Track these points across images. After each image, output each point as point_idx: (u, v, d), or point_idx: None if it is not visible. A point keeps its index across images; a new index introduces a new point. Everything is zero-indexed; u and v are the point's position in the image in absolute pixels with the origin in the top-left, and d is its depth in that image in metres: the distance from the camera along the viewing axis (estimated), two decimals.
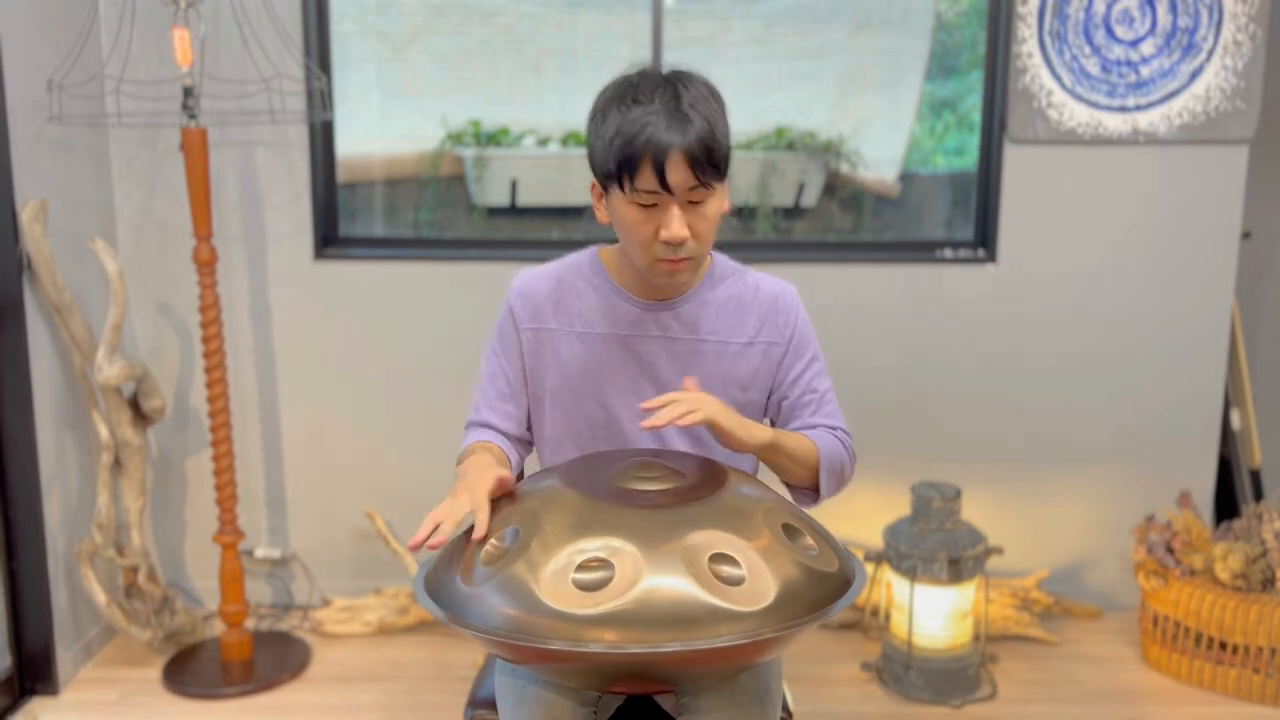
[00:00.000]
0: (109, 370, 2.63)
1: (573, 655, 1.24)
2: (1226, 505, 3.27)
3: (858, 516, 3.07)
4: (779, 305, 1.70)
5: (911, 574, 2.72)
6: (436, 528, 1.37)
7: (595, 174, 1.57)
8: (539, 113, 3.28)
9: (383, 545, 3.12)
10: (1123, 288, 3.06)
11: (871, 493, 3.07)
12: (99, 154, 2.93)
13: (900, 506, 2.97)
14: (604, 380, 1.68)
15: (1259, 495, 3.24)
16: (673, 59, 3.06)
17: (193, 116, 2.60)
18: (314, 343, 3.09)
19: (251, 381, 3.10)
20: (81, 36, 2.75)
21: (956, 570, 2.69)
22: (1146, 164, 2.99)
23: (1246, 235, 3.29)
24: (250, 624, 3.07)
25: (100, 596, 2.73)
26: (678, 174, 1.49)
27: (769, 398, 1.72)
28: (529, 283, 1.70)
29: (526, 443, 1.75)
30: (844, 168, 3.31)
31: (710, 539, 1.30)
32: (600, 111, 1.54)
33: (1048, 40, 2.92)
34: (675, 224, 1.52)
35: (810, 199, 3.33)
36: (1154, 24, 2.92)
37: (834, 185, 3.32)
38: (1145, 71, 2.93)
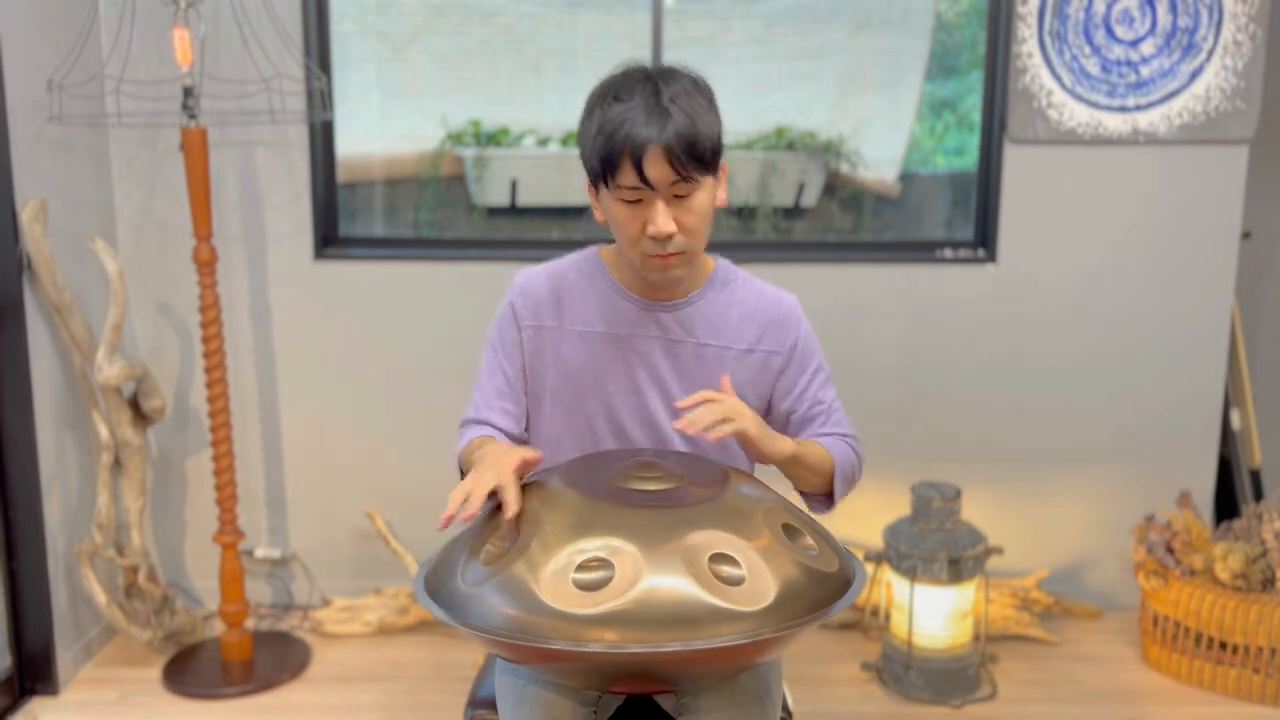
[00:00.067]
0: (109, 370, 2.63)
1: (573, 655, 1.24)
2: (1226, 505, 3.27)
3: (858, 516, 3.07)
4: (782, 315, 1.70)
5: (911, 574, 2.71)
6: (466, 500, 1.36)
7: (586, 173, 1.58)
8: (539, 113, 3.28)
9: (383, 545, 3.12)
10: (1123, 288, 3.06)
11: (871, 493, 3.07)
12: (99, 154, 2.93)
13: (900, 506, 2.97)
14: (604, 379, 1.68)
15: (1259, 495, 3.24)
16: (673, 59, 3.05)
17: (193, 116, 2.60)
18: (314, 343, 3.09)
19: (251, 381, 3.10)
20: (81, 36, 2.75)
21: (956, 570, 2.69)
22: (1146, 164, 2.99)
23: (1246, 235, 3.29)
24: (250, 624, 3.07)
25: (100, 596, 2.73)
26: (656, 169, 1.49)
27: (770, 408, 1.72)
28: (530, 281, 1.71)
29: (524, 442, 1.75)
30: (844, 168, 3.31)
31: (710, 539, 1.30)
32: (587, 111, 1.56)
33: (1048, 40, 2.92)
34: (660, 219, 1.52)
35: (810, 199, 3.33)
36: (1154, 24, 2.92)
37: (834, 185, 3.32)
38: (1145, 71, 2.93)
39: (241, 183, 3.00)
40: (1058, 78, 2.93)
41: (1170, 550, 2.85)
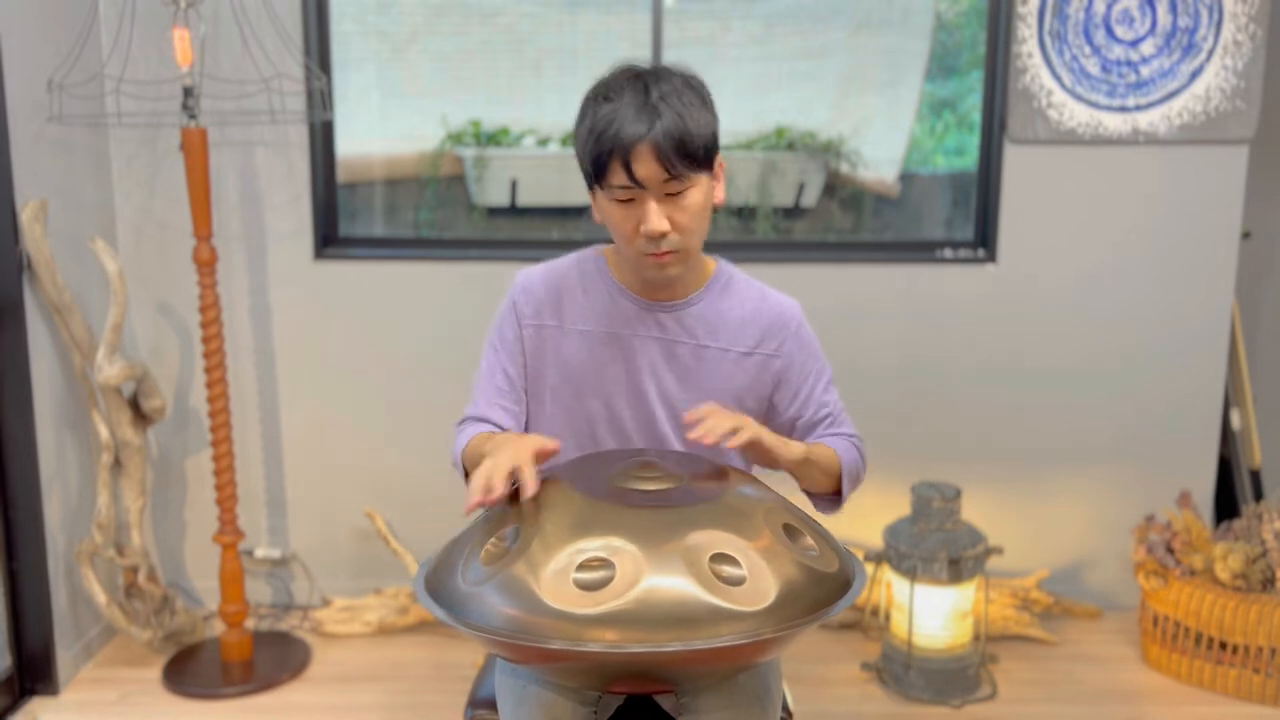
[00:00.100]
0: (109, 370, 2.63)
1: (573, 655, 1.24)
2: (1226, 505, 3.27)
3: (858, 516, 3.07)
4: (783, 320, 1.70)
5: (911, 574, 2.71)
6: (489, 486, 1.36)
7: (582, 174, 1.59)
8: (539, 113, 3.28)
9: (383, 545, 3.12)
10: (1123, 288, 3.06)
11: (871, 493, 3.06)
12: (99, 154, 2.93)
13: (900, 506, 2.97)
14: (604, 379, 1.68)
15: (1259, 495, 3.24)
16: (673, 59, 3.06)
17: (193, 116, 2.60)
18: (314, 343, 3.09)
19: (251, 381, 3.10)
20: (81, 36, 2.75)
21: (956, 570, 2.69)
22: (1146, 164, 2.99)
23: (1246, 235, 3.29)
24: (250, 624, 3.07)
25: (100, 596, 2.73)
26: (645, 167, 1.50)
27: (770, 411, 1.72)
28: (532, 279, 1.71)
29: None
30: (844, 168, 3.31)
31: (711, 539, 1.30)
32: (580, 113, 1.56)
33: (1048, 40, 2.92)
34: (653, 217, 1.52)
35: (810, 199, 3.33)
36: (1154, 24, 2.92)
37: (834, 185, 3.32)
38: (1145, 71, 2.93)
39: (241, 183, 3.00)
40: (1058, 78, 2.93)
41: (1170, 550, 2.85)
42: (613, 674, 1.32)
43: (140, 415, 2.81)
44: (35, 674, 2.71)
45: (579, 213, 3.28)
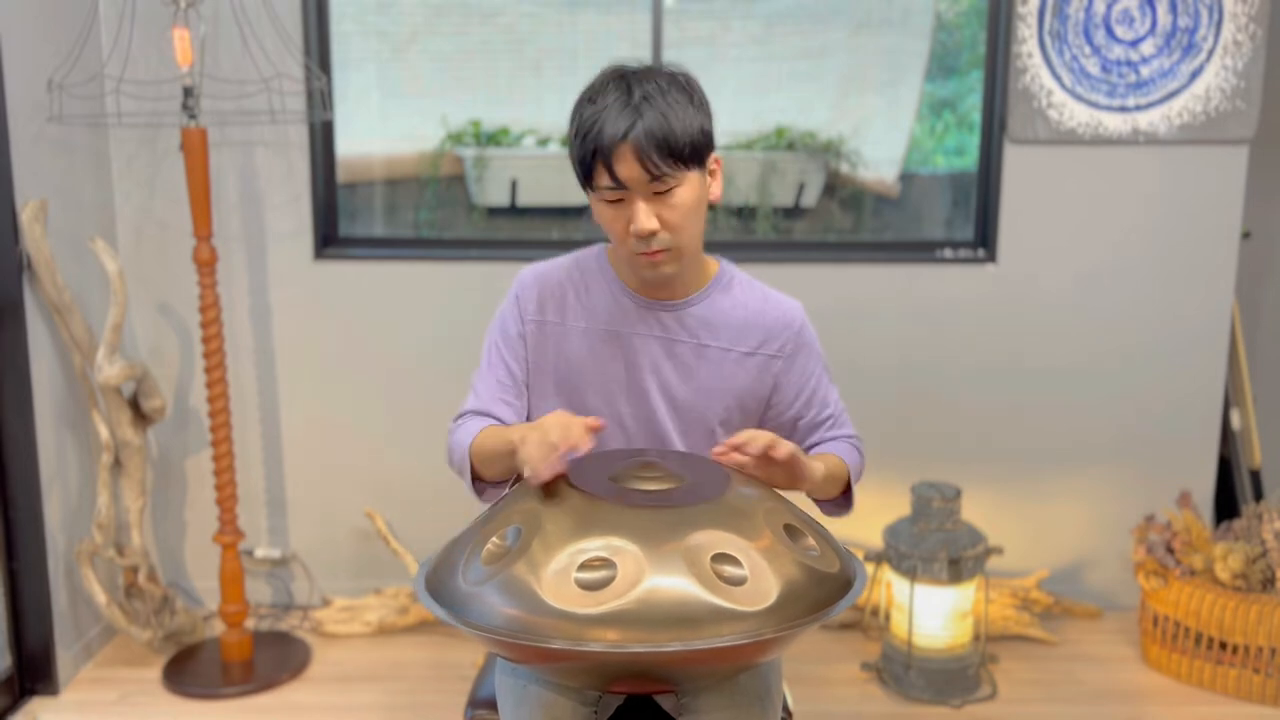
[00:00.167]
0: (109, 370, 2.63)
1: (574, 654, 1.24)
2: (1226, 505, 3.27)
3: (858, 516, 3.04)
4: (786, 321, 1.70)
5: (911, 574, 2.71)
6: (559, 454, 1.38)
7: None
8: (539, 113, 3.28)
9: (383, 545, 3.12)
10: (1123, 288, 3.06)
11: (871, 493, 3.07)
12: (99, 154, 2.93)
13: (900, 506, 2.97)
14: (605, 377, 1.68)
15: (1259, 495, 3.24)
16: (673, 59, 3.06)
17: (193, 116, 2.60)
18: (314, 343, 3.09)
19: (251, 381, 3.10)
20: (81, 36, 2.75)
21: (956, 570, 2.69)
22: (1146, 164, 2.99)
23: (1246, 235, 3.29)
24: (250, 624, 3.07)
25: (100, 596, 2.73)
26: (627, 168, 1.50)
27: (768, 412, 1.72)
28: (535, 276, 1.71)
29: None
30: (844, 168, 3.31)
31: (712, 539, 1.30)
32: (570, 116, 1.57)
33: (1048, 40, 2.92)
34: (640, 217, 1.52)
35: (810, 199, 3.33)
36: (1154, 24, 2.92)
37: (834, 185, 3.32)
38: (1145, 71, 2.93)
39: (241, 183, 3.00)
40: (1058, 78, 2.93)
41: (1170, 550, 2.85)
42: (614, 674, 1.32)
43: (140, 415, 2.81)
44: (35, 674, 2.71)
45: (579, 213, 3.28)
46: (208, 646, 2.92)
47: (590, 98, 1.54)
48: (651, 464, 1.46)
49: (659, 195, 1.53)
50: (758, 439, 1.46)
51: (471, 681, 2.18)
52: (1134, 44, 2.92)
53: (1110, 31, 2.92)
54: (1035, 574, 3.06)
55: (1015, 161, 3.00)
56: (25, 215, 2.55)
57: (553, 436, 1.40)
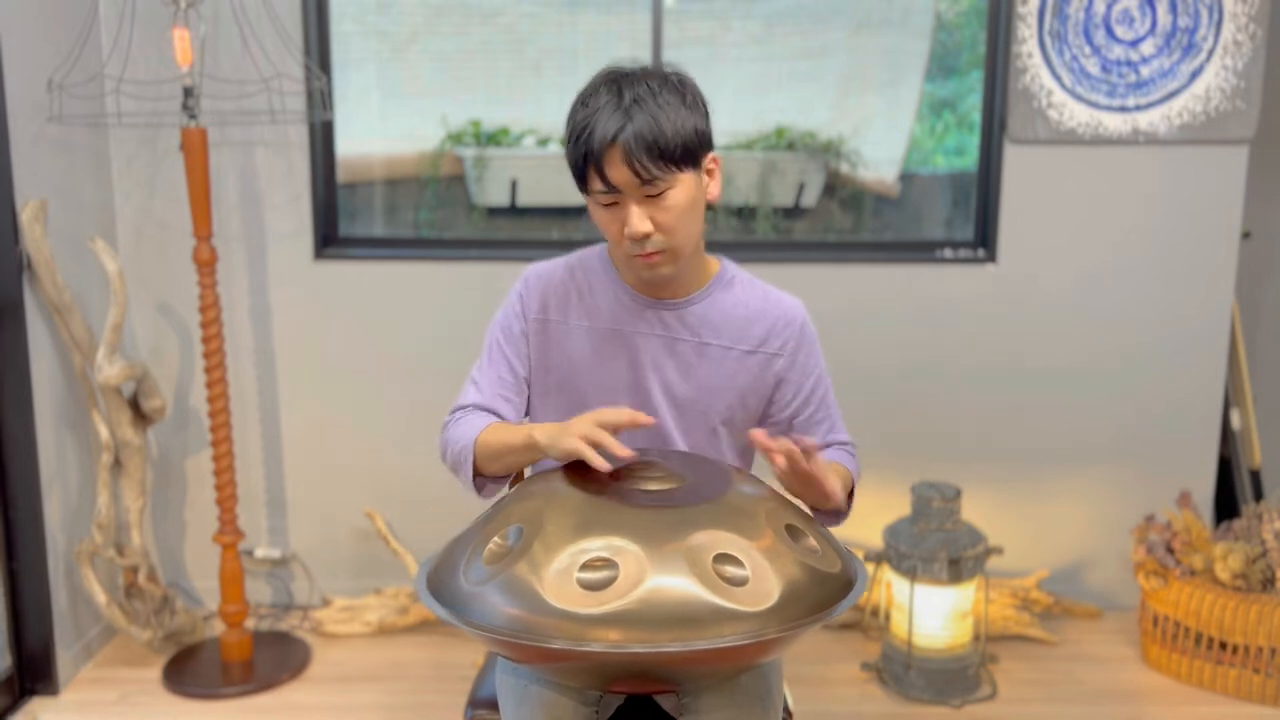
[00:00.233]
0: (109, 370, 2.63)
1: (575, 654, 1.24)
2: (1226, 505, 3.27)
3: (858, 516, 3.05)
4: (787, 319, 1.70)
5: (911, 574, 2.71)
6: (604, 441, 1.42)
7: None
8: (539, 113, 3.28)
9: (383, 545, 3.12)
10: (1123, 288, 3.06)
11: (871, 493, 3.07)
12: (99, 154, 2.93)
13: (900, 506, 2.97)
14: (607, 376, 1.68)
15: (1259, 495, 3.24)
16: (672, 59, 3.06)
17: (193, 116, 2.60)
18: (314, 343, 3.09)
19: (251, 381, 3.10)
20: (81, 36, 2.75)
21: (956, 570, 2.69)
22: (1146, 164, 2.99)
23: (1246, 235, 3.29)
24: (250, 624, 3.07)
25: (100, 596, 2.72)
26: (617, 171, 1.50)
27: (769, 410, 1.72)
28: (538, 275, 1.71)
29: None
30: (844, 168, 3.31)
31: (714, 539, 1.30)
32: (566, 119, 1.57)
33: (1048, 40, 2.92)
34: (633, 219, 1.53)
35: (810, 199, 3.33)
36: (1154, 24, 2.92)
37: (834, 185, 3.32)
38: (1145, 71, 2.93)
39: (241, 183, 3.00)
40: (1058, 78, 2.93)
41: (1170, 550, 2.85)
42: (615, 674, 1.32)
43: (140, 415, 2.81)
44: (35, 674, 2.71)
45: (579, 213, 3.28)
46: (208, 646, 2.92)
47: (583, 101, 1.54)
48: (653, 463, 1.46)
49: (651, 198, 1.53)
50: (786, 445, 1.44)
51: (471, 681, 2.18)
52: (1134, 44, 2.92)
53: (1110, 31, 2.92)
54: (1035, 574, 3.06)
55: (1015, 161, 3.00)
56: (25, 215, 2.55)
57: (607, 418, 1.44)
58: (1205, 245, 3.04)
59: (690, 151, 1.53)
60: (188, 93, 2.58)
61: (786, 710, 1.67)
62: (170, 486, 3.14)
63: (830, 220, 3.36)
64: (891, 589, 2.84)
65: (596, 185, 1.53)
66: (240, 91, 2.86)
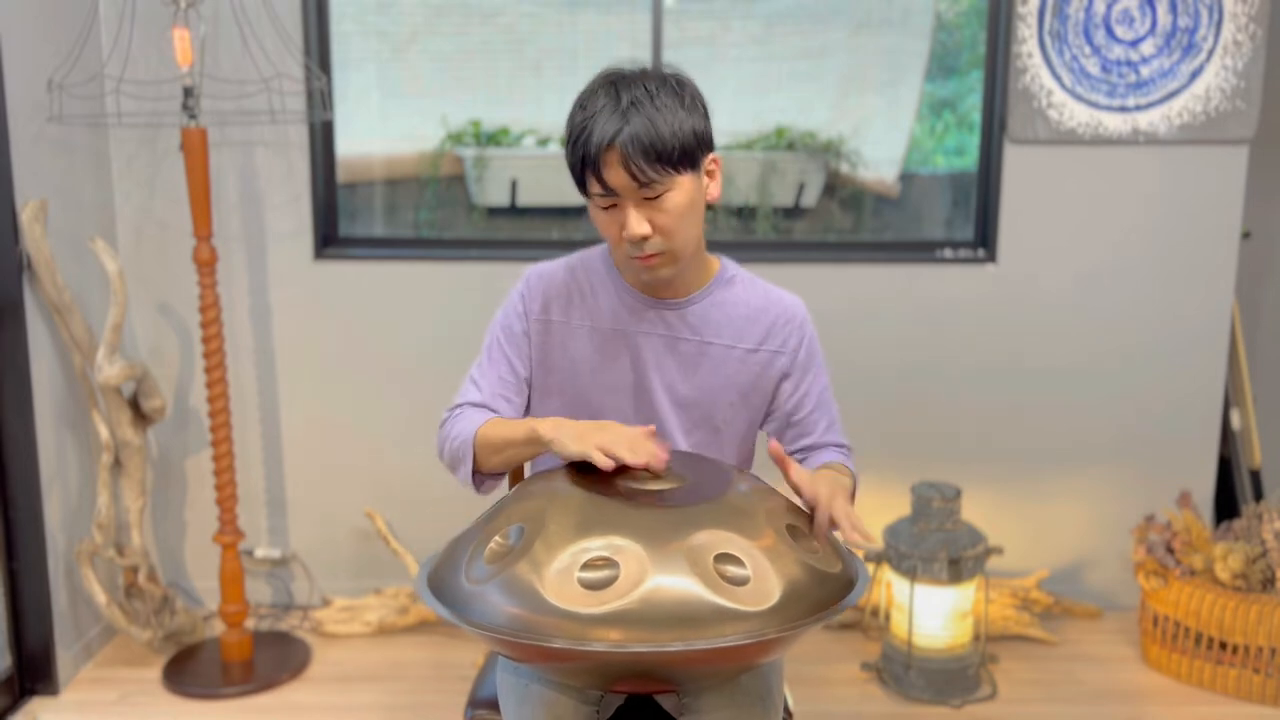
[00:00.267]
0: (109, 370, 2.63)
1: (576, 654, 1.24)
2: (1226, 505, 3.27)
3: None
4: (789, 318, 1.70)
5: (911, 574, 2.71)
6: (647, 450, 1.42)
7: None
8: (539, 113, 3.28)
9: (383, 545, 3.12)
10: (1123, 288, 3.06)
11: (871, 493, 3.07)
12: (99, 154, 2.93)
13: (900, 506, 2.97)
14: (609, 376, 1.68)
15: (1259, 495, 3.24)
16: (672, 59, 3.06)
17: (193, 116, 2.60)
18: (314, 343, 3.09)
19: (251, 381, 3.10)
20: (81, 36, 2.75)
21: (956, 570, 2.69)
22: (1146, 164, 2.99)
23: (1246, 235, 3.29)
24: (250, 624, 3.07)
25: (100, 596, 2.72)
26: (614, 174, 1.50)
27: (771, 408, 1.72)
28: (540, 275, 1.71)
29: None
30: (844, 168, 3.31)
31: (715, 538, 1.30)
32: (566, 121, 1.57)
33: (1048, 40, 2.92)
34: (631, 222, 1.53)
35: (810, 199, 3.33)
36: (1154, 24, 2.92)
37: (834, 185, 3.32)
38: (1145, 71, 2.93)
39: (241, 183, 3.00)
40: (1058, 78, 2.93)
41: (1170, 550, 2.85)
42: (616, 673, 1.32)
43: (140, 415, 2.81)
44: (35, 674, 2.71)
45: (579, 213, 3.28)
46: (208, 646, 2.92)
47: (582, 104, 1.54)
48: None
49: (649, 200, 1.52)
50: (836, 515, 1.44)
51: (471, 681, 2.18)
52: (1134, 44, 2.92)
53: (1110, 31, 2.92)
54: (1035, 574, 3.06)
55: (1015, 161, 3.00)
56: (25, 215, 2.55)
57: (611, 427, 1.45)
58: (1205, 245, 3.04)
59: (688, 154, 1.52)
60: (188, 93, 2.58)
61: (787, 710, 1.67)
62: (170, 486, 3.14)
63: (830, 220, 3.36)
64: (891, 589, 2.84)
65: (594, 188, 1.53)
66: (240, 91, 2.86)
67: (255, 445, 3.12)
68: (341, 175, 3.13)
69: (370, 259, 3.07)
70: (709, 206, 1.64)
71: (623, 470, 1.44)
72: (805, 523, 1.44)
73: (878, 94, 3.33)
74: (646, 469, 1.42)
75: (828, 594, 1.33)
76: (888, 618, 2.89)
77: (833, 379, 1.79)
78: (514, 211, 3.35)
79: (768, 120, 3.27)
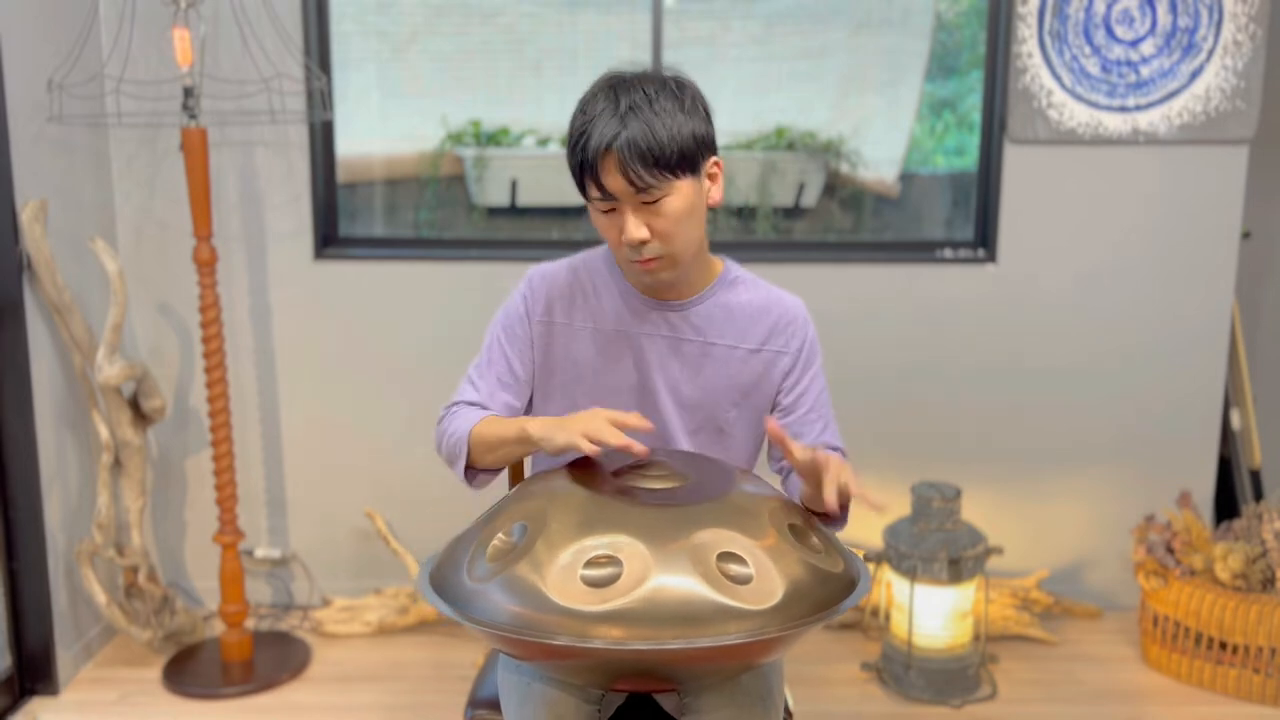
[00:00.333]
0: (109, 370, 2.63)
1: (579, 651, 1.24)
2: (1226, 505, 3.27)
3: (858, 516, 3.06)
4: (791, 318, 1.70)
5: (911, 574, 2.72)
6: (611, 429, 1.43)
7: None
8: (539, 113, 3.28)
9: (383, 545, 3.12)
10: (1123, 288, 3.06)
11: (871, 492, 3.06)
12: (99, 154, 2.93)
13: (900, 506, 2.97)
14: (613, 377, 1.68)
15: (1259, 495, 3.24)
16: (672, 59, 3.06)
17: (193, 116, 2.60)
18: (314, 343, 3.09)
19: (251, 381, 3.10)
20: (81, 36, 2.75)
21: (956, 570, 2.69)
22: (1146, 164, 2.99)
23: (1246, 235, 3.29)
24: (250, 624, 3.07)
25: (100, 596, 2.72)
26: (611, 179, 1.50)
27: (773, 408, 1.72)
28: (543, 277, 1.71)
29: None
30: (844, 168, 3.31)
31: (717, 537, 1.31)
32: (569, 124, 1.57)
33: (1048, 40, 2.92)
34: (629, 226, 1.52)
35: (810, 199, 3.33)
36: (1154, 24, 2.92)
37: (834, 185, 3.32)
38: (1145, 71, 2.93)
39: (241, 183, 3.00)
40: (1058, 78, 2.93)
41: (1170, 550, 2.85)
42: (619, 671, 1.32)
43: (140, 415, 2.81)
44: (35, 674, 2.71)
45: (579, 213, 3.28)
46: (208, 646, 2.92)
47: (582, 107, 1.54)
48: (656, 462, 1.46)
49: (647, 205, 1.52)
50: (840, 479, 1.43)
51: (471, 681, 2.18)
52: (1134, 44, 2.93)
53: (1110, 31, 2.92)
54: (1035, 574, 3.06)
55: (1015, 161, 3.00)
56: (25, 215, 2.55)
57: (617, 416, 1.45)
58: (1205, 245, 3.04)
59: (687, 158, 1.52)
60: (188, 93, 2.58)
61: (787, 710, 1.67)
62: (170, 486, 3.14)
63: (830, 220, 3.36)
64: (891, 589, 2.84)
65: (593, 192, 1.53)
66: (240, 91, 2.86)
67: (255, 445, 3.12)
68: (341, 175, 3.13)
69: (370, 259, 3.07)
70: (710, 209, 1.63)
71: (624, 470, 1.44)
72: (808, 522, 1.44)
73: (878, 94, 3.34)
74: (628, 450, 1.43)
75: (830, 593, 1.33)
76: (888, 618, 2.89)
77: (832, 379, 1.79)
78: (514, 211, 3.35)
79: (768, 120, 3.27)
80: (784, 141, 3.28)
